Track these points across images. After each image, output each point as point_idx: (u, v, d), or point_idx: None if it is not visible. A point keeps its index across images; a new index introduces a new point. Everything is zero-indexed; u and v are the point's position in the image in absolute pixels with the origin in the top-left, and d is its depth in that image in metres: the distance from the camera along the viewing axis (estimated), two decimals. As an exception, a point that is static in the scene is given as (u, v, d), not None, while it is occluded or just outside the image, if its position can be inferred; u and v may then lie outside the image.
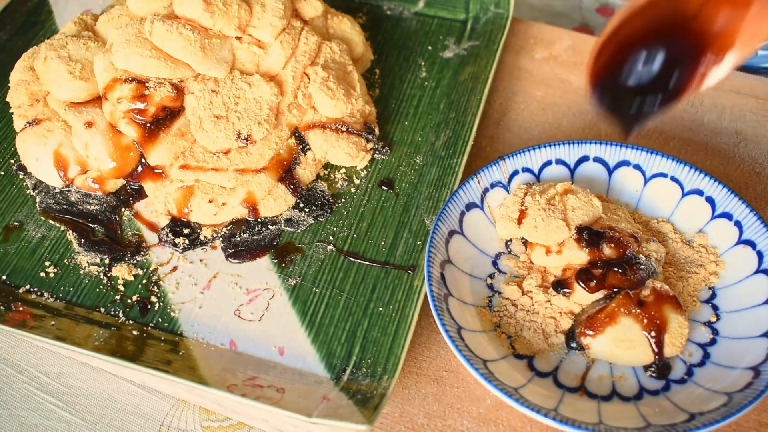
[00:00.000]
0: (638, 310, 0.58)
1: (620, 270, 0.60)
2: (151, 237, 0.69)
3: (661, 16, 0.49)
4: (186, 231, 0.69)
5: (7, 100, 0.74)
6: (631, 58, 0.51)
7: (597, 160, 0.70)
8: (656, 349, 0.58)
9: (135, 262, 0.67)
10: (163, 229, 0.69)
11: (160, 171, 0.69)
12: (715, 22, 0.48)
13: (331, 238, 0.69)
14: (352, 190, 0.73)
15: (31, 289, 0.66)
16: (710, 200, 0.66)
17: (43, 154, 0.69)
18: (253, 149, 0.69)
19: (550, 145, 0.69)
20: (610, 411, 0.56)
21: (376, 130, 0.75)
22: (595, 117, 0.80)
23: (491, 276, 0.66)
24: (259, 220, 0.70)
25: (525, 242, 0.67)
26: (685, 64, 0.51)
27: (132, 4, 0.72)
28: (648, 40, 0.50)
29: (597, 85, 0.53)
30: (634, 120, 0.55)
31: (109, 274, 0.66)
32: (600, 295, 0.61)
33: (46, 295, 0.65)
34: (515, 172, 0.69)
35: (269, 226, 0.70)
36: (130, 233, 0.70)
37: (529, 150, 0.69)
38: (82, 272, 0.67)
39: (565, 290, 0.62)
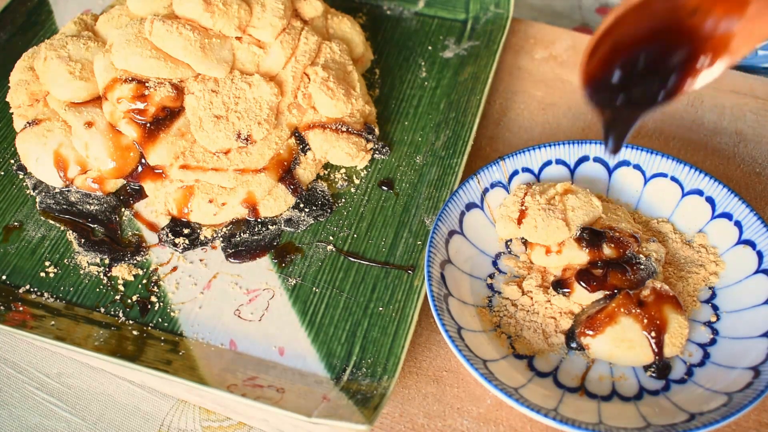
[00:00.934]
0: (638, 310, 0.58)
1: (620, 270, 0.60)
2: (151, 237, 0.69)
3: (658, 14, 0.48)
4: (186, 231, 0.69)
5: (7, 100, 0.74)
6: (625, 57, 0.50)
7: (597, 160, 0.70)
8: (656, 349, 0.58)
9: (135, 262, 0.67)
10: (163, 229, 0.69)
11: (160, 171, 0.68)
12: (712, 20, 0.48)
13: (331, 238, 0.69)
14: (352, 190, 0.73)
15: (31, 289, 0.66)
16: (710, 200, 0.66)
17: (43, 154, 0.69)
18: (253, 149, 0.69)
19: (550, 145, 0.69)
20: (610, 411, 0.56)
21: (376, 130, 0.75)
22: (595, 117, 0.80)
23: (491, 276, 0.66)
24: (259, 220, 0.70)
25: (525, 242, 0.67)
26: (681, 62, 0.50)
27: (132, 4, 0.72)
28: (644, 38, 0.49)
29: (590, 83, 0.51)
30: (624, 124, 0.54)
31: (109, 274, 0.66)
32: (600, 295, 0.60)
33: (46, 295, 0.65)
34: (515, 172, 0.69)
35: (269, 226, 0.70)
36: (130, 233, 0.70)
37: (529, 150, 0.69)
38: (82, 272, 0.67)
39: (565, 290, 0.62)
